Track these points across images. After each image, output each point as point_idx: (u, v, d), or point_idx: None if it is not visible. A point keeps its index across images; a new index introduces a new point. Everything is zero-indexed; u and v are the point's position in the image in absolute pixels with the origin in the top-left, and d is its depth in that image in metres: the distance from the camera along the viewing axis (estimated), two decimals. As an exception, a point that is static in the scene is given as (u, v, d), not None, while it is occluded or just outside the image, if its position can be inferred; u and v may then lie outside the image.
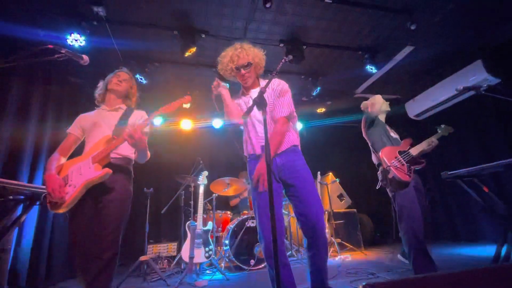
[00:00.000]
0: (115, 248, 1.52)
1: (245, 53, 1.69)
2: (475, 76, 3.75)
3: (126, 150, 1.75)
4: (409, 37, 3.58)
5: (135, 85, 1.98)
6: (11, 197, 1.87)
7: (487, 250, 3.28)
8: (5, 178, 1.59)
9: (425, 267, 1.96)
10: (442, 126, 2.46)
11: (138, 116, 1.83)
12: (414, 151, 2.27)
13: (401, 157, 2.20)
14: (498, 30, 3.55)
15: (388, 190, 2.25)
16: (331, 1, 2.96)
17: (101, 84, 1.90)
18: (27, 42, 3.05)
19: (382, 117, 2.54)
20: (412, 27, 3.15)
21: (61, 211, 1.51)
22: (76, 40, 2.91)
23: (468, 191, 2.62)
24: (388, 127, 2.48)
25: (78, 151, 1.75)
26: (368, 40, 3.66)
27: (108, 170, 1.57)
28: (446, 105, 4.42)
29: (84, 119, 1.80)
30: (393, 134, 2.44)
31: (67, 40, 2.90)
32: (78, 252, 1.53)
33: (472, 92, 2.41)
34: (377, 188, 2.29)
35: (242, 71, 1.70)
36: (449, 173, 2.67)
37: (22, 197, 1.82)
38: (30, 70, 3.23)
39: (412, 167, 2.17)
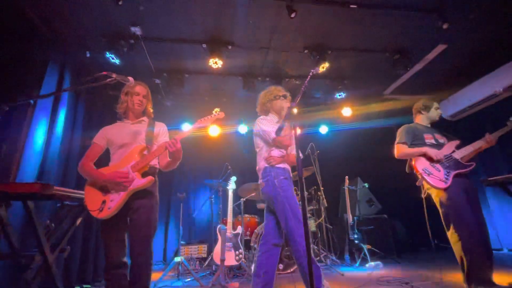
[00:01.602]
0: (147, 252, 1.65)
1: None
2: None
3: (153, 160, 1.87)
4: (441, 36, 3.44)
5: (150, 95, 2.04)
6: (67, 202, 2.13)
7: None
8: (58, 186, 1.80)
9: (479, 283, 1.80)
10: None
11: (160, 127, 1.97)
12: (459, 154, 2.14)
13: (444, 161, 2.11)
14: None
15: (432, 197, 2.15)
16: (356, 6, 2.95)
17: (122, 100, 1.93)
18: (76, 62, 3.41)
19: (423, 121, 2.46)
20: (444, 26, 3.03)
21: (105, 217, 1.62)
22: (113, 58, 3.22)
23: (506, 197, 2.45)
24: (430, 132, 2.35)
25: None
26: (397, 41, 3.57)
27: (152, 178, 1.72)
28: (484, 104, 4.13)
29: (109, 131, 1.87)
30: (440, 138, 2.29)
31: (107, 57, 3.21)
32: (110, 259, 1.65)
33: (509, 93, 2.25)
34: (423, 196, 2.20)
35: (284, 99, 2.20)
36: (489, 179, 2.52)
37: (77, 203, 2.05)
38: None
39: (452, 172, 2.06)
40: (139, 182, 1.70)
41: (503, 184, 2.52)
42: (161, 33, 3.28)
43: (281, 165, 2.01)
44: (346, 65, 4.09)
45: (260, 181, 2.07)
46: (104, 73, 1.50)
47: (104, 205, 1.61)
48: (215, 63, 3.43)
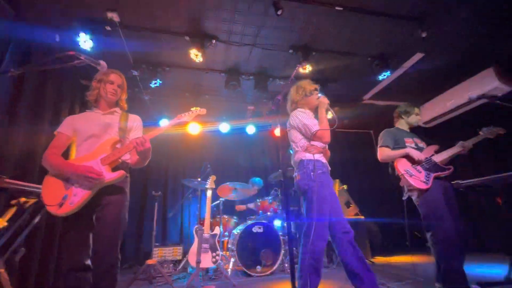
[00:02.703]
0: (114, 255, 1.50)
1: None
2: (486, 84, 3.71)
3: (124, 155, 1.73)
4: (419, 45, 3.57)
5: (125, 85, 1.87)
6: (24, 198, 1.91)
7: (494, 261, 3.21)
8: (17, 180, 1.60)
9: (453, 284, 1.85)
10: (489, 127, 2.34)
11: (134, 121, 1.83)
12: (437, 157, 2.22)
13: (423, 164, 2.16)
14: (510, 39, 3.51)
15: (413, 199, 2.20)
16: (342, 9, 2.97)
17: (93, 87, 1.78)
18: (43, 46, 3.13)
19: (403, 126, 2.53)
20: (423, 35, 3.14)
21: (65, 213, 1.45)
22: (84, 41, 2.96)
23: (477, 201, 2.57)
24: (410, 136, 2.42)
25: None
26: (379, 47, 3.66)
27: (123, 172, 1.58)
28: (456, 112, 4.38)
29: (77, 120, 1.72)
30: (419, 143, 2.37)
31: (79, 43, 2.96)
32: (70, 261, 1.47)
33: (483, 101, 2.41)
34: (403, 199, 2.23)
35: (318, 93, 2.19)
36: (461, 182, 2.63)
37: (35, 198, 1.84)
38: (42, 72, 3.25)
39: (432, 174, 2.12)
40: (108, 176, 1.55)
41: (471, 188, 2.67)
42: (141, 21, 3.09)
43: (320, 158, 1.95)
44: (329, 68, 4.13)
45: (294, 174, 2.01)
46: (71, 52, 1.33)
47: (65, 200, 1.44)
48: (196, 55, 3.31)
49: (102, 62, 1.56)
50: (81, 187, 1.49)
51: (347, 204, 4.66)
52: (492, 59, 3.79)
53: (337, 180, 4.79)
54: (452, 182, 2.61)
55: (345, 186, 4.52)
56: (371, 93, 4.89)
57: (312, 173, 1.85)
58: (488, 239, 4.06)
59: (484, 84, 3.68)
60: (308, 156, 1.93)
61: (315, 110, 2.13)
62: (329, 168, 2.02)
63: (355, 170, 5.85)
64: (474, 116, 4.21)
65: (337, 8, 2.97)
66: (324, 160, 1.99)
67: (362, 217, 4.46)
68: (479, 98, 2.28)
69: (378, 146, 2.39)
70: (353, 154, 6.03)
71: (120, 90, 1.81)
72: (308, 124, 1.96)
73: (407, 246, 4.92)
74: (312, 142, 1.97)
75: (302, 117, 2.01)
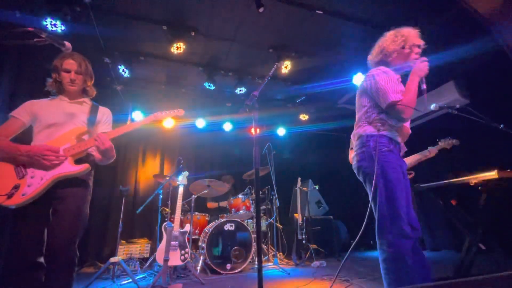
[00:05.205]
0: (71, 251, 1.40)
1: None
2: (447, 95, 4.02)
3: (90, 148, 1.64)
4: (391, 54, 3.76)
5: (87, 68, 1.67)
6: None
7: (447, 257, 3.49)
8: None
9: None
10: (446, 138, 2.57)
11: (103, 113, 1.72)
12: None
13: None
14: (470, 54, 3.83)
15: None
16: (322, 12, 3.04)
17: (52, 76, 1.62)
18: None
19: None
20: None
21: (15, 205, 1.32)
22: (54, 25, 2.75)
23: (432, 203, 2.79)
24: None
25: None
26: (356, 53, 3.80)
27: (88, 166, 1.49)
28: (420, 121, 4.69)
29: (37, 106, 1.56)
30: None
31: (46, 25, 2.73)
32: (19, 258, 1.34)
33: (444, 111, 2.65)
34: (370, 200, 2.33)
35: (418, 50, 1.62)
36: (421, 185, 2.83)
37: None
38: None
39: None
40: (69, 168, 1.44)
41: (430, 190, 2.88)
42: (115, 5, 2.92)
43: (388, 133, 1.48)
44: (308, 70, 4.21)
45: (353, 154, 1.60)
46: (30, 29, 1.21)
47: (16, 190, 1.31)
48: (178, 48, 3.22)
49: (67, 43, 1.44)
50: (38, 178, 1.38)
51: (318, 204, 4.80)
52: (454, 73, 4.10)
53: (309, 180, 4.92)
54: (414, 185, 2.79)
55: (316, 186, 4.65)
56: (345, 98, 5.07)
57: (373, 152, 1.43)
58: (441, 237, 4.41)
59: (445, 95, 3.99)
60: (370, 130, 1.50)
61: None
62: (405, 149, 1.60)
63: (327, 171, 6.04)
64: (436, 125, 4.55)
65: (317, 11, 3.04)
66: (395, 137, 1.51)
67: (331, 216, 4.63)
68: (441, 108, 2.46)
69: (350, 148, 2.49)
70: (327, 155, 6.23)
71: (81, 76, 1.64)
72: (387, 89, 1.43)
73: (372, 244, 5.18)
74: (382, 116, 1.50)
75: (380, 78, 1.48)
